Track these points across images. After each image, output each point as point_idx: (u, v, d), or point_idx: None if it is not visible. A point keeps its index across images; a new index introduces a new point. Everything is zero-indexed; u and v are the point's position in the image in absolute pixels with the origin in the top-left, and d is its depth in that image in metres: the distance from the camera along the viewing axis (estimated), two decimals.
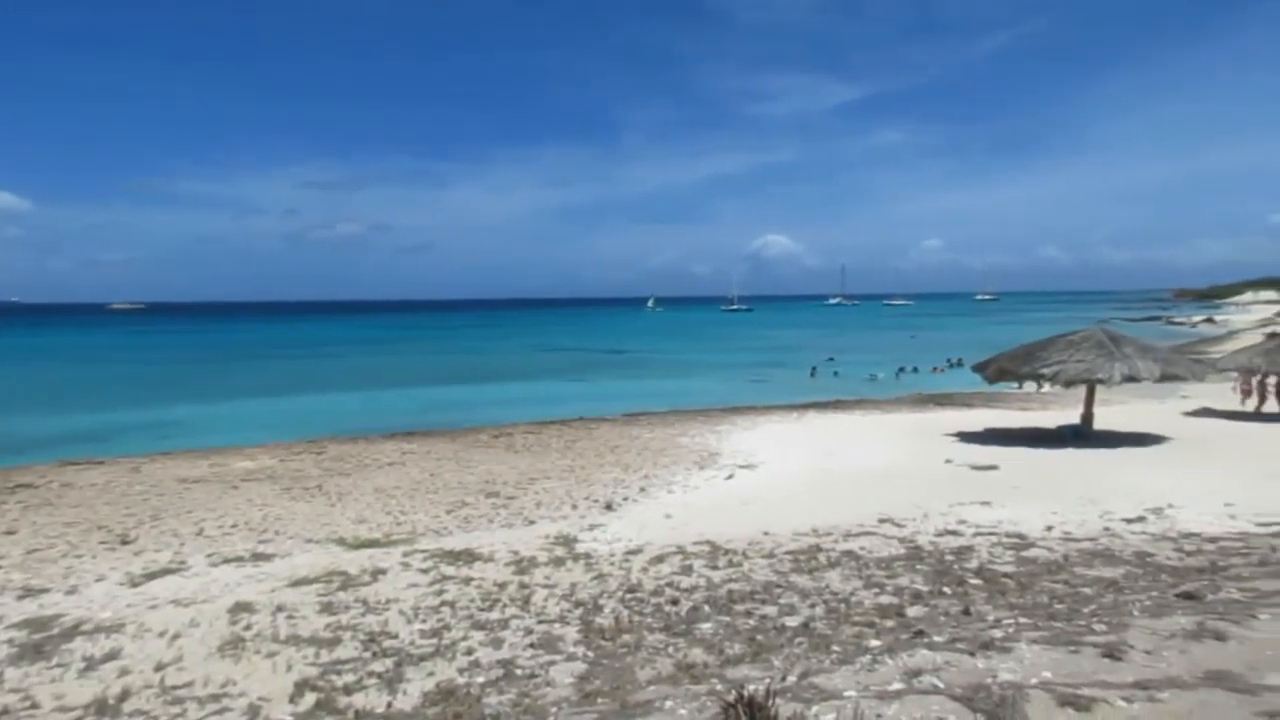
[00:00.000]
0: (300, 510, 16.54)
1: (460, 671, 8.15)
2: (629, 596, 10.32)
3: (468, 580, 11.22)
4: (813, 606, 9.52)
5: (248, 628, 9.63)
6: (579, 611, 9.83)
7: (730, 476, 18.60)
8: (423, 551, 12.84)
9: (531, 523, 15.06)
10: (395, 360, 64.47)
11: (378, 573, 11.69)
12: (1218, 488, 15.14)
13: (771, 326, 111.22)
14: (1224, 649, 5.15)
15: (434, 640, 9.04)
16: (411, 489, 18.42)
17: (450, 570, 11.72)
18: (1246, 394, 26.61)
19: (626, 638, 8.84)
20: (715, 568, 11.41)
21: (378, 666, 8.39)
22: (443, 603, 10.32)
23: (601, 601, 10.18)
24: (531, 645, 8.78)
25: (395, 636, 9.22)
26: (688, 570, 11.34)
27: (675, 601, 10.02)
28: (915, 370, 45.57)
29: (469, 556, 12.43)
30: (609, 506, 16.07)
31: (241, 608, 10.31)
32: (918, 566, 10.96)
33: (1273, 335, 37.87)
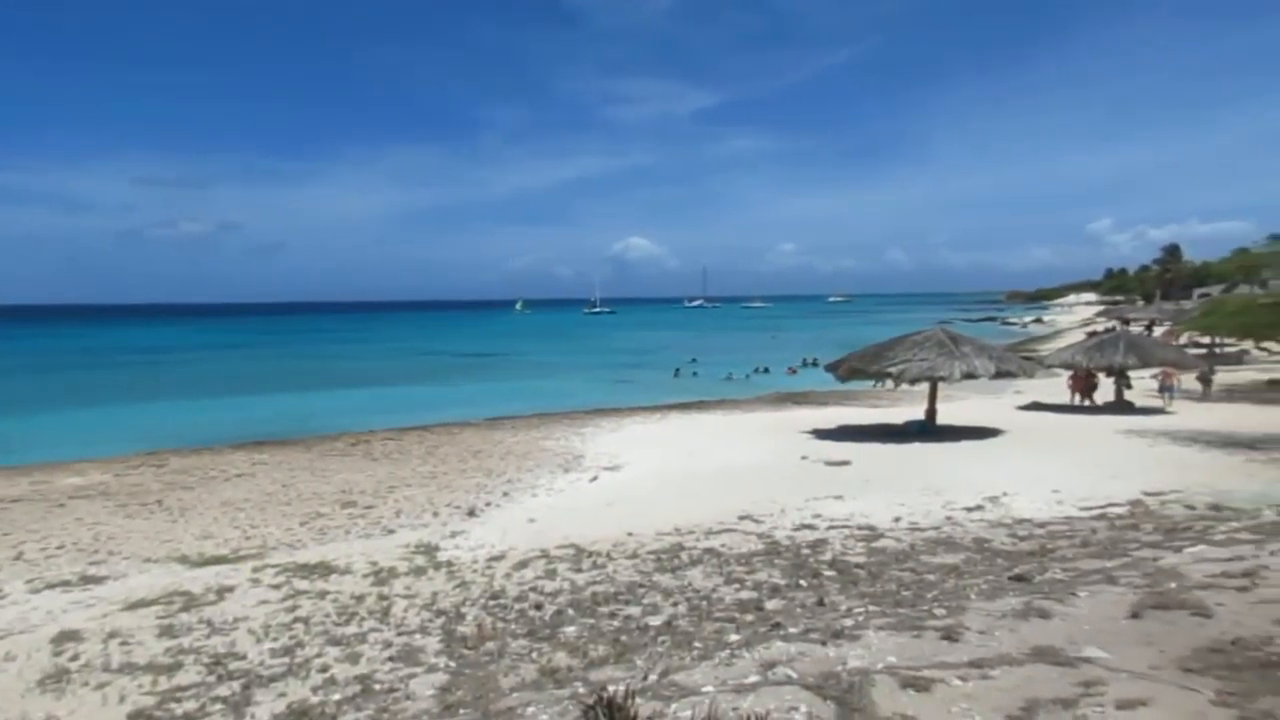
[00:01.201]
0: (138, 528, 15.49)
1: (314, 690, 7.83)
2: (492, 603, 10.18)
3: (323, 594, 10.80)
4: (675, 605, 9.66)
5: (74, 658, 8.94)
6: (441, 621, 9.63)
7: (594, 478, 18.65)
8: (274, 566, 12.28)
9: (391, 532, 14.64)
10: (245, 366, 61.25)
11: (224, 591, 11.09)
12: (1047, 476, 16.28)
13: (635, 328, 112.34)
14: (1048, 626, 5.55)
15: (286, 659, 8.65)
16: (262, 501, 17.58)
17: (304, 584, 11.25)
18: (1078, 391, 28.76)
19: (490, 645, 8.72)
20: (579, 570, 11.41)
21: (223, 690, 7.95)
22: (296, 619, 9.89)
23: (464, 610, 10.00)
24: (391, 658, 8.54)
25: (243, 657, 8.77)
26: (552, 574, 11.29)
27: (539, 606, 9.96)
28: (767, 371, 46.93)
29: (324, 569, 11.97)
30: (472, 513, 15.82)
31: (67, 636, 9.56)
32: (776, 561, 11.29)
33: (1092, 334, 41.11)
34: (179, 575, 12.13)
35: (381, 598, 10.59)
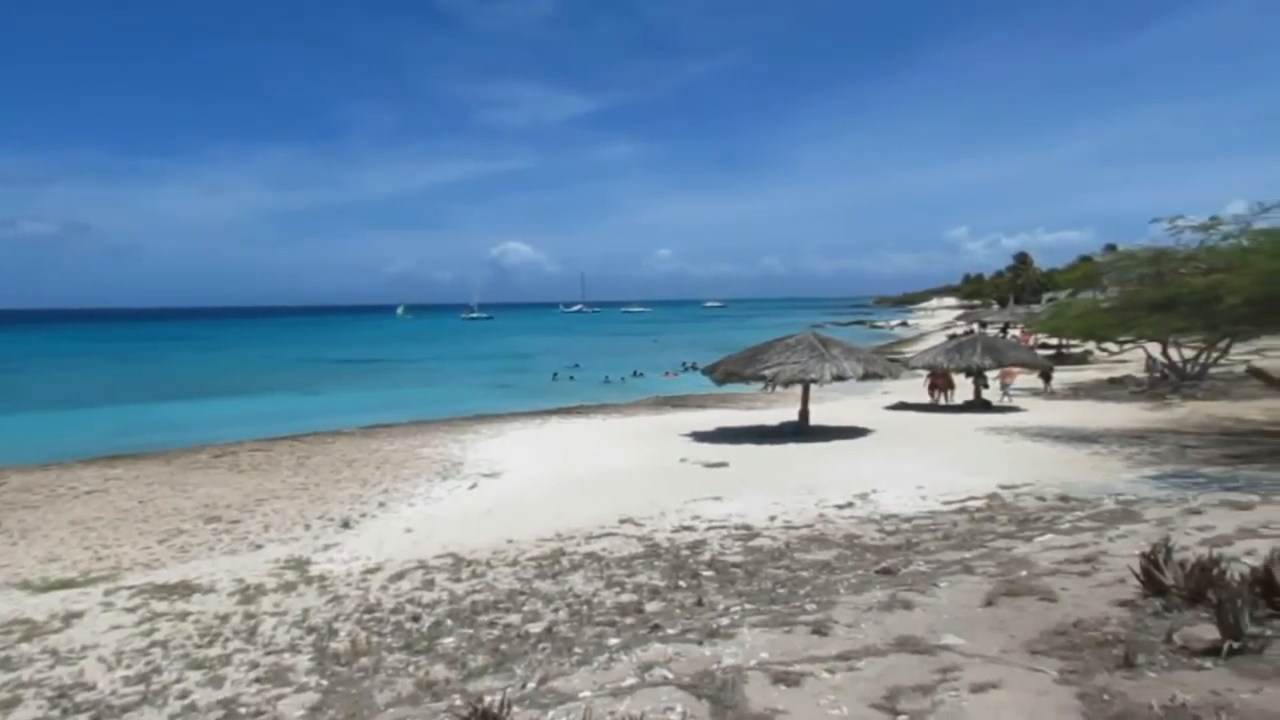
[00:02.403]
0: None
1: (172, 718, 7.42)
2: (367, 617, 9.91)
3: (183, 615, 10.25)
4: (556, 611, 9.64)
5: None
6: (312, 638, 9.30)
7: (474, 486, 18.39)
8: (129, 588, 11.57)
9: (259, 547, 14.04)
10: (96, 375, 57.34)
11: (71, 617, 10.39)
12: (912, 473, 17.01)
13: (514, 333, 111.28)
14: (911, 616, 5.82)
15: (140, 687, 8.17)
16: (117, 519, 16.54)
17: (162, 606, 10.65)
18: (935, 389, 30.25)
19: (364, 660, 8.48)
20: (458, 580, 11.23)
21: None
22: (153, 643, 9.36)
23: (337, 625, 9.69)
24: (258, 679, 8.18)
25: (92, 688, 8.23)
26: (430, 585, 11.07)
27: (417, 618, 9.76)
28: (641, 375, 47.40)
29: (185, 589, 11.37)
30: (346, 524, 15.33)
31: None
32: (656, 563, 11.41)
33: (953, 336, 43.27)
34: (19, 603, 11.28)
35: (248, 616, 10.14)
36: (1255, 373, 31.70)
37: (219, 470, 21.94)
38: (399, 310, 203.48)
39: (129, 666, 8.72)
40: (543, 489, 17.50)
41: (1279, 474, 14.10)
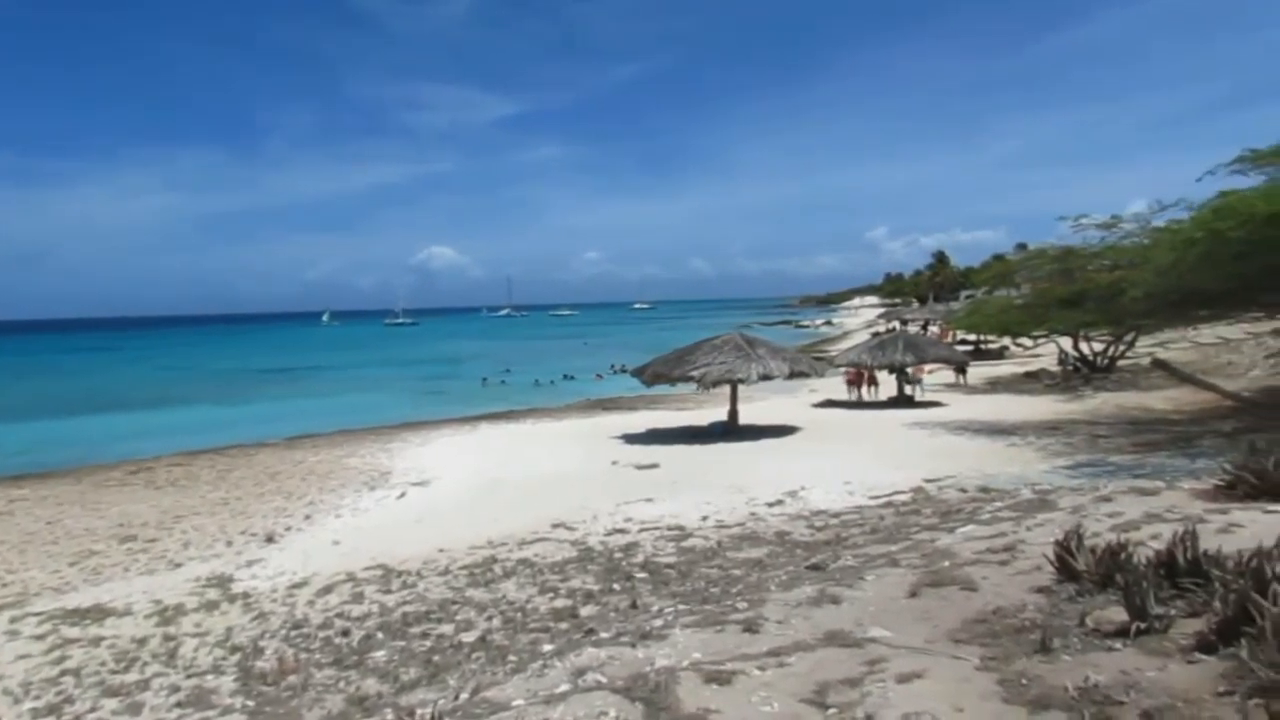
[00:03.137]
0: None
1: None
2: (294, 634, 9.68)
3: (97, 641, 9.87)
4: (490, 619, 9.56)
5: None
6: (236, 657, 9.05)
7: (402, 495, 18.11)
8: (37, 615, 11.08)
9: (178, 566, 13.59)
10: None
11: None
12: (840, 469, 17.35)
13: (441, 339, 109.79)
14: (839, 610, 5.93)
15: (51, 719, 7.82)
16: (22, 542, 15.81)
17: (74, 632, 10.23)
18: (853, 384, 30.98)
19: (292, 679, 8.29)
20: (389, 591, 11.06)
21: None
22: (64, 672, 8.98)
23: (263, 643, 9.45)
24: (179, 704, 7.93)
25: None
26: (359, 598, 10.88)
27: (346, 632, 9.58)
28: (572, 378, 47.34)
29: (98, 613, 10.94)
30: (270, 539, 14.94)
31: None
32: (589, 567, 11.40)
33: (876, 334, 44.26)
34: None
35: (167, 638, 9.81)
36: (1159, 364, 33.19)
37: (134, 487, 21.16)
38: (324, 317, 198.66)
39: (38, 698, 8.36)
40: (474, 496, 17.33)
41: (1183, 460, 14.78)
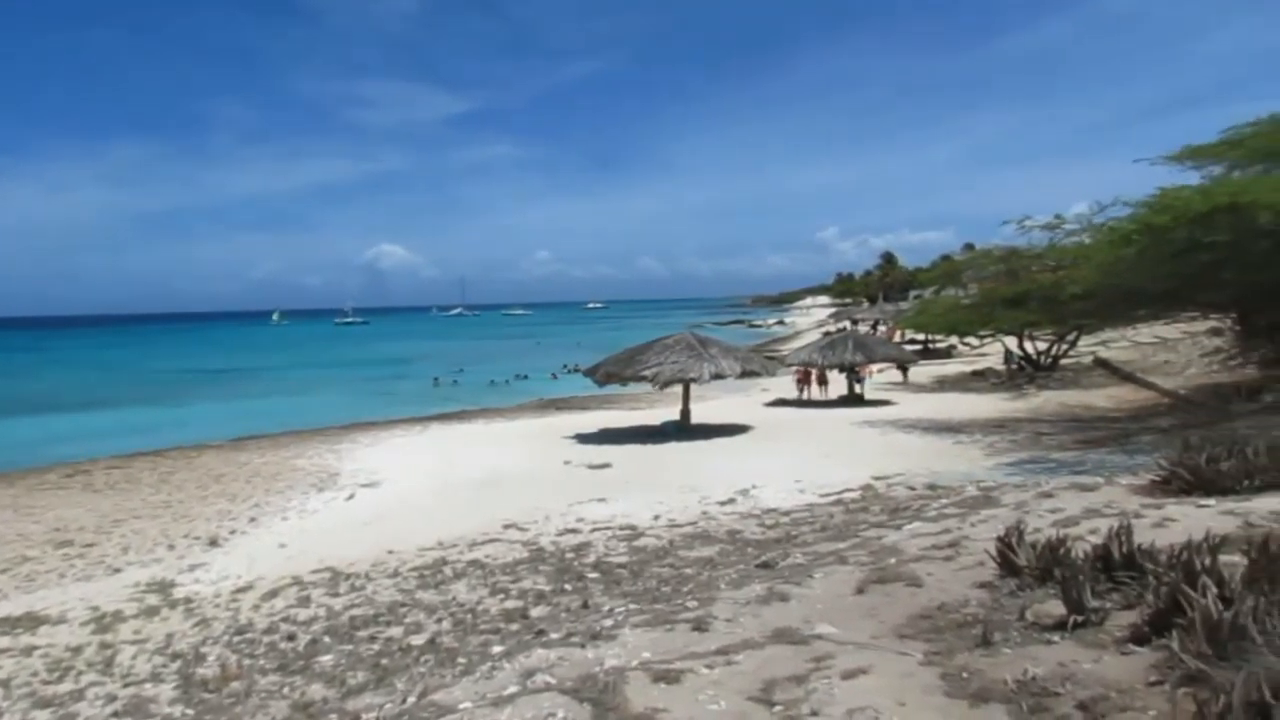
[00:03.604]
0: None
1: None
2: (238, 639, 9.49)
3: (29, 650, 9.56)
4: (439, 621, 9.47)
5: None
6: (177, 665, 8.84)
7: (351, 497, 17.86)
8: None
9: (117, 571, 13.23)
10: None
11: None
12: (791, 467, 17.49)
13: (392, 339, 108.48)
14: (787, 608, 5.98)
15: None
16: None
17: (4, 642, 9.91)
18: (802, 383, 31.35)
19: (235, 685, 8.11)
20: (336, 595, 10.89)
21: None
22: None
23: (205, 649, 9.25)
24: (115, 714, 7.72)
25: None
26: (305, 601, 10.70)
27: (292, 637, 9.41)
28: (526, 378, 47.16)
29: (31, 621, 10.61)
30: (214, 542, 14.63)
31: None
32: (541, 567, 11.35)
33: (826, 334, 44.76)
34: None
35: (104, 646, 9.55)
36: (1100, 363, 34.09)
37: (71, 490, 20.56)
38: (274, 316, 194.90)
39: None
40: (424, 497, 17.16)
41: (1121, 457, 15.16)
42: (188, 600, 11.16)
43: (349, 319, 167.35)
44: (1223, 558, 4.72)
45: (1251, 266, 16.03)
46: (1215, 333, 30.14)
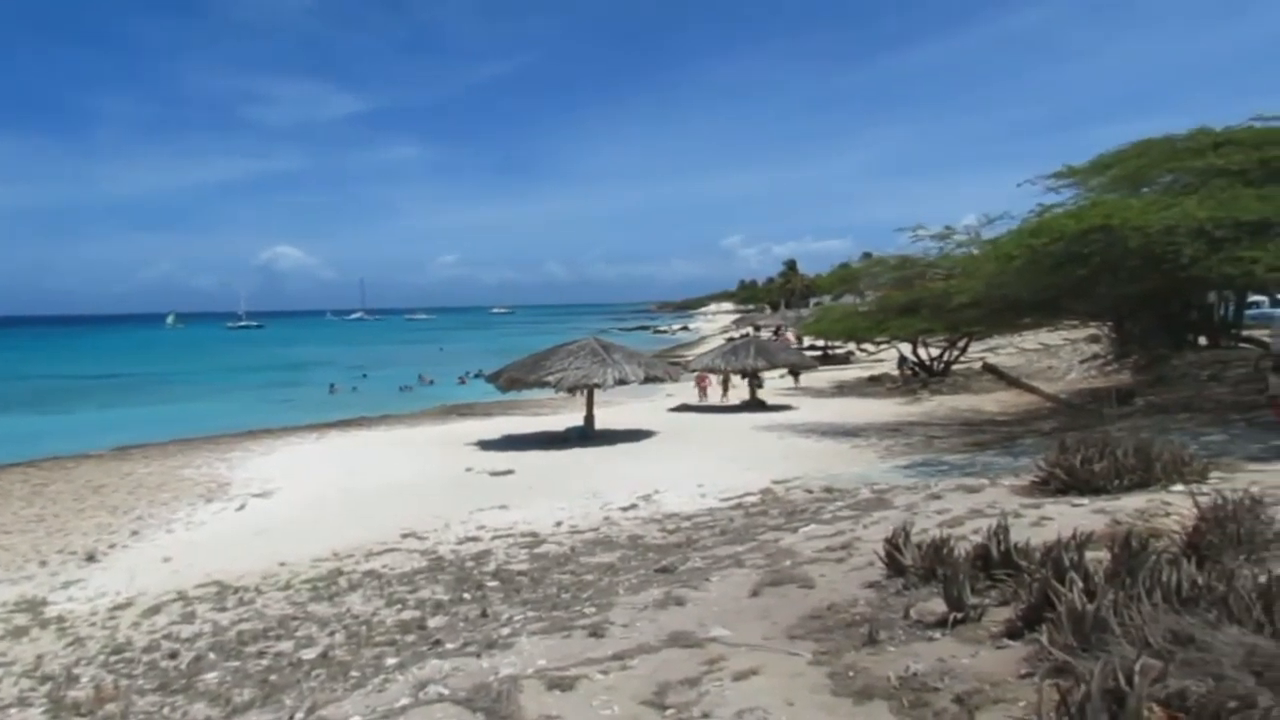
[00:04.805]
0: None
1: None
2: (115, 659, 9.03)
3: None
4: (332, 634, 9.21)
5: None
6: (46, 687, 8.36)
7: (242, 507, 17.21)
8: None
9: None
10: None
11: None
12: (693, 472, 17.65)
13: (289, 343, 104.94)
14: (683, 612, 6.05)
15: None
16: None
17: None
18: (702, 388, 31.86)
19: (110, 707, 7.73)
20: (223, 609, 10.48)
21: None
22: None
23: (78, 670, 8.77)
24: None
25: None
26: (190, 617, 10.26)
27: (174, 655, 9.01)
28: (432, 383, 46.41)
29: None
30: (91, 557, 13.87)
31: None
32: (440, 577, 11.17)
33: (730, 339, 45.46)
34: None
35: None
36: (989, 368, 35.60)
37: None
38: (169, 319, 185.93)
39: None
40: (319, 507, 16.67)
41: (1007, 458, 15.86)
42: (60, 619, 10.56)
43: (243, 323, 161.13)
44: (1090, 554, 5.00)
45: (1122, 280, 17.08)
46: (1094, 340, 31.93)
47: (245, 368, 64.99)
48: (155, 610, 10.63)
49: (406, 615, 9.62)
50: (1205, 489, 7.38)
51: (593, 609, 6.73)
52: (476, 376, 46.14)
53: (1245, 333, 24.91)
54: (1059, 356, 33.78)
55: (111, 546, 14.55)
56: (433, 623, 9.20)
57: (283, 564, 12.39)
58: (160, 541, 14.74)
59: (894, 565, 5.99)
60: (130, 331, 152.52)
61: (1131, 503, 7.74)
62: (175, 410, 38.26)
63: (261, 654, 8.76)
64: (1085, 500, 8.24)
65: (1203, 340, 26.03)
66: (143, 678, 8.43)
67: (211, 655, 8.87)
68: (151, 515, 16.92)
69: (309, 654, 8.59)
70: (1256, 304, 27.24)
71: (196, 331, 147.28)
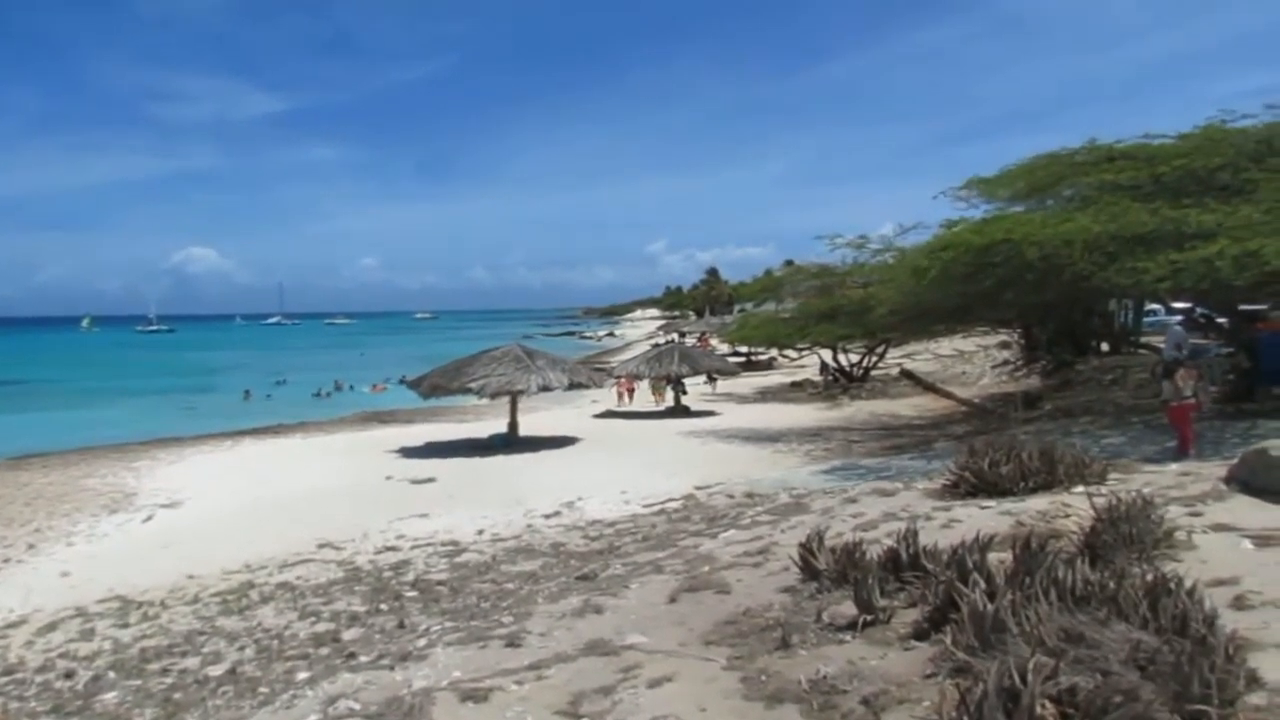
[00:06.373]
0: None
1: None
2: (4, 680, 8.59)
3: None
4: (242, 649, 8.93)
5: None
6: None
7: (149, 518, 16.55)
8: None
9: None
10: None
11: None
12: (617, 479, 17.64)
13: (201, 348, 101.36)
14: (601, 620, 6.04)
15: None
16: None
17: None
18: (628, 394, 32.04)
19: None
20: (125, 625, 10.07)
21: None
22: None
23: None
24: None
25: None
26: (89, 634, 9.82)
27: (70, 674, 8.61)
28: (353, 389, 45.48)
29: None
30: None
31: None
32: (356, 588, 10.93)
33: (655, 345, 45.68)
34: None
35: None
36: (905, 374, 36.58)
37: None
38: (84, 323, 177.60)
39: None
40: (231, 517, 16.13)
41: (921, 462, 16.30)
42: None
43: (153, 326, 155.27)
44: (994, 555, 5.17)
45: (1026, 290, 17.76)
46: (1005, 346, 33.09)
47: (154, 373, 62.58)
48: (51, 628, 10.14)
49: (320, 628, 9.38)
50: (1103, 490, 7.69)
51: (511, 618, 6.67)
52: (400, 383, 45.35)
53: (1144, 339, 26.16)
54: (972, 362, 34.91)
55: (5, 561, 13.83)
56: (347, 635, 9.00)
57: (191, 577, 11.96)
58: (59, 555, 14.07)
59: (808, 569, 6.09)
60: (36, 335, 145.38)
61: (1035, 504, 8.02)
62: (78, 417, 36.60)
63: (165, 671, 8.44)
64: (993, 503, 8.51)
65: (1105, 346, 27.25)
66: (35, 699, 8.03)
67: (111, 674, 8.51)
68: (50, 528, 16.13)
69: (216, 670, 8.31)
70: (1153, 312, 28.56)
71: (102, 336, 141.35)
